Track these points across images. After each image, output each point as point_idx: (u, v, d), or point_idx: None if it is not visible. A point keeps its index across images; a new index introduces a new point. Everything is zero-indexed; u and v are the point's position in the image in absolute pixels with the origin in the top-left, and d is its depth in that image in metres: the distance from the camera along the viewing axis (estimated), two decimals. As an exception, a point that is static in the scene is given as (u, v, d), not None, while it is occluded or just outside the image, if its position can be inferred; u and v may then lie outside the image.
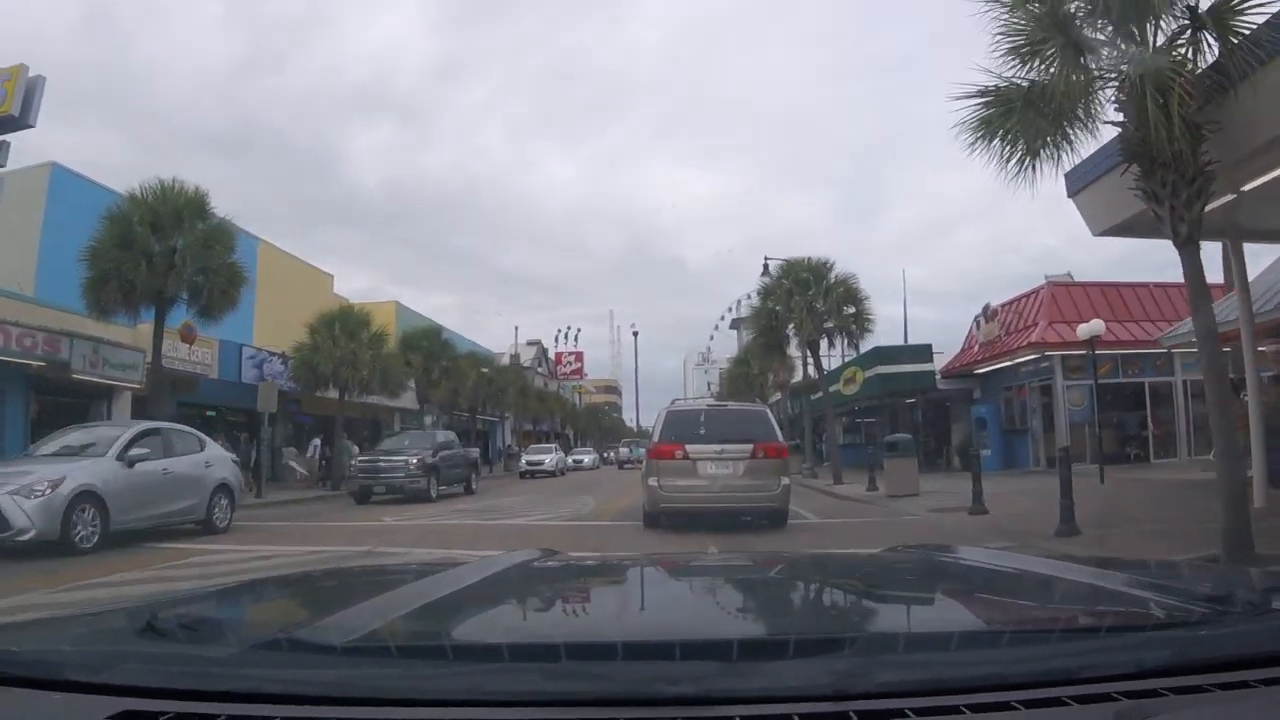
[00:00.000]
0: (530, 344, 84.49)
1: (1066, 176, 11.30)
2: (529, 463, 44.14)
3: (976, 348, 29.24)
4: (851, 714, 1.19)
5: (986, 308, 28.71)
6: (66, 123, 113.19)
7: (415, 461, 24.27)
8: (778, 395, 46.31)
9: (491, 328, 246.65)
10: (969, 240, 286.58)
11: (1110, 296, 27.15)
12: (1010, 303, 28.41)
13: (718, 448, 13.00)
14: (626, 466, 57.20)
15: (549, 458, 45.26)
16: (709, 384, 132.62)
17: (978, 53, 10.54)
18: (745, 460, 12.95)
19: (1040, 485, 21.48)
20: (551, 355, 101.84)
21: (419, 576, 2.47)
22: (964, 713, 1.20)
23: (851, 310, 26.46)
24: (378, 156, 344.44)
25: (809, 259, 26.75)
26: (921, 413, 39.19)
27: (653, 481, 13.33)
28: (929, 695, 1.24)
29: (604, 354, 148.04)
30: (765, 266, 32.10)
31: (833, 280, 26.44)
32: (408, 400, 44.02)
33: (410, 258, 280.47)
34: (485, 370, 47.88)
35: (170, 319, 24.68)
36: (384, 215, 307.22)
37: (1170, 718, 1.20)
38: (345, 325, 31.76)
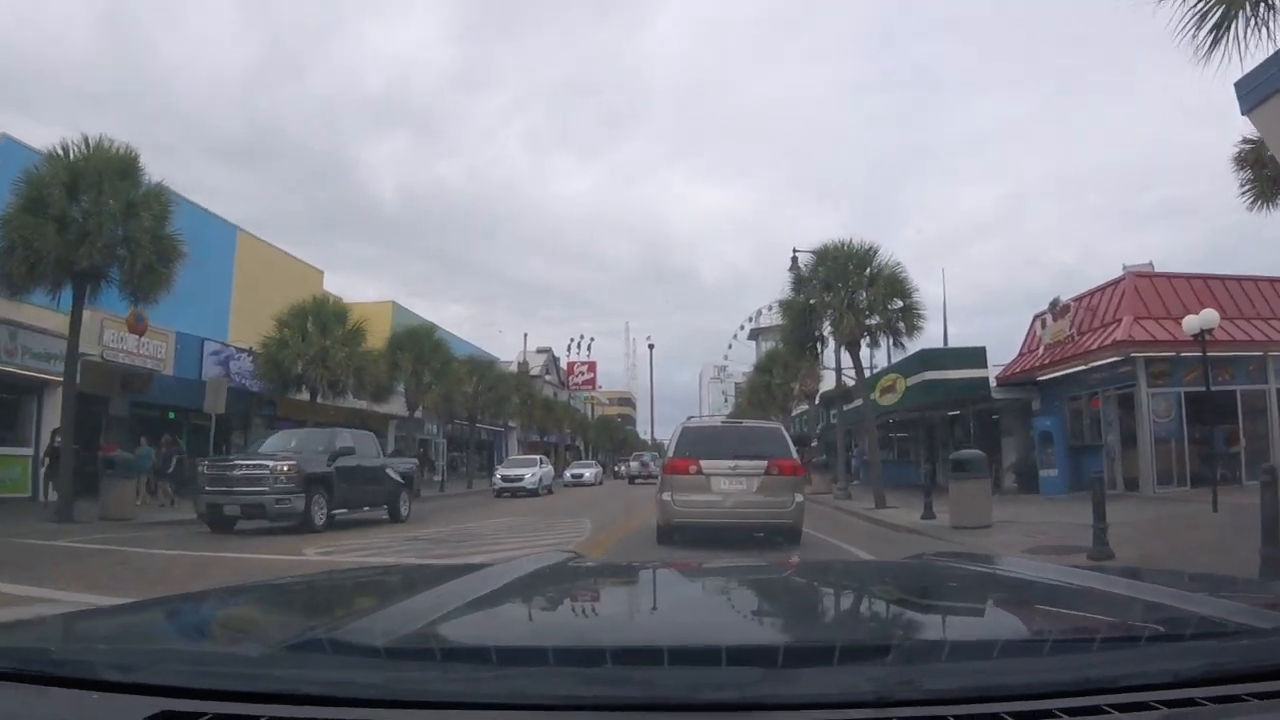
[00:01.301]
0: (540, 351, 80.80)
1: (1237, 86, 9.48)
2: (504, 479, 36.51)
3: (1040, 350, 25.17)
4: None
5: (1055, 303, 24.59)
6: (83, 125, 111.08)
7: (286, 470, 16.62)
8: (804, 406, 42.34)
9: (505, 340, 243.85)
10: (986, 254, 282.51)
11: (1199, 290, 23.15)
12: (1082, 297, 24.32)
13: (732, 464, 12.99)
14: (638, 482, 53.16)
15: (530, 472, 37.03)
16: (725, 396, 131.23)
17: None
18: (760, 477, 12.95)
19: (1142, 514, 17.74)
20: (563, 365, 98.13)
21: (450, 577, 2.37)
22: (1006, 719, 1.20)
23: (899, 305, 22.52)
24: (394, 167, 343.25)
25: (849, 243, 22.86)
26: (965, 426, 35.16)
27: (666, 496, 13.28)
28: (972, 703, 1.24)
29: (619, 367, 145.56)
30: (794, 259, 28.28)
31: (877, 268, 22.52)
32: (399, 406, 40.47)
33: (425, 269, 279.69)
34: (484, 376, 44.08)
35: (108, 302, 21.21)
36: (400, 227, 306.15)
37: None
38: (319, 319, 28.05)
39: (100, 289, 19.36)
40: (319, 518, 17.31)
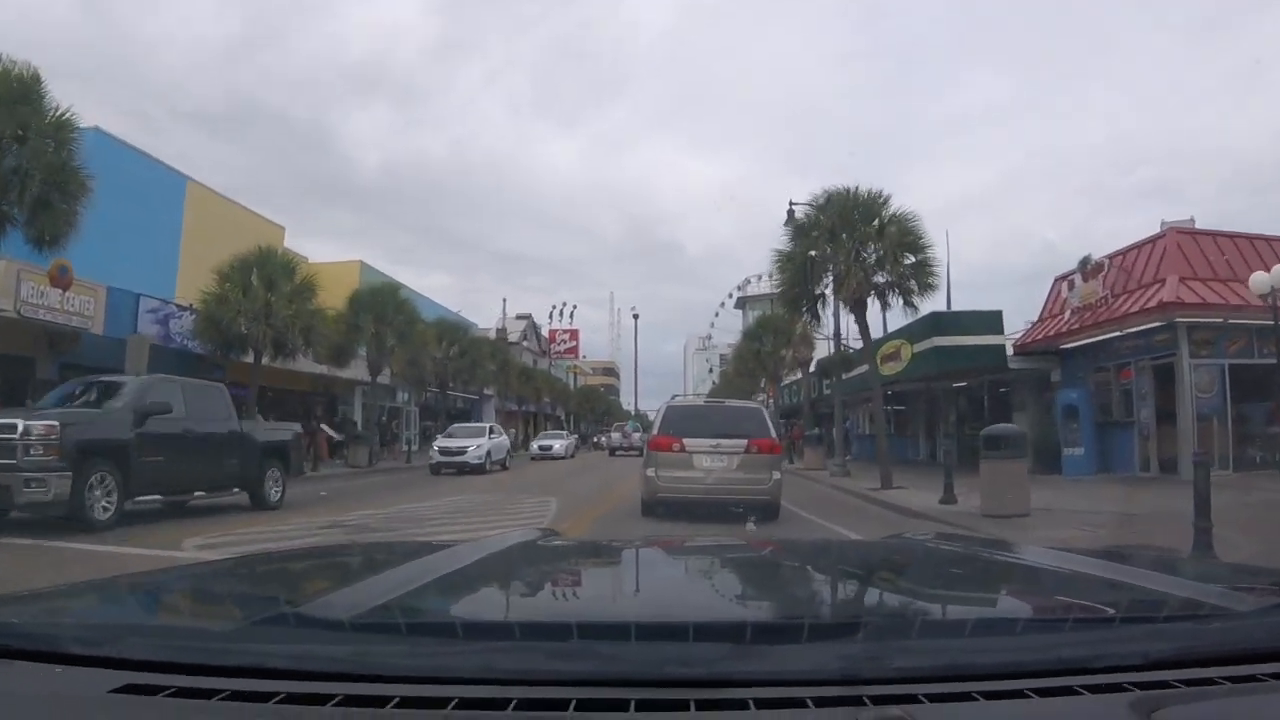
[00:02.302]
0: (520, 318, 77.89)
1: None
2: (441, 451, 30.44)
3: (1068, 314, 22.52)
4: (865, 698, 1.19)
5: (1085, 261, 21.85)
6: (64, 97, 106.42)
7: (43, 433, 11.30)
8: (796, 375, 39.74)
9: (487, 308, 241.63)
10: (970, 233, 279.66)
11: (1245, 249, 20.63)
12: (1115, 256, 21.65)
13: (713, 442, 13.46)
14: (620, 453, 50.52)
15: (475, 444, 30.78)
16: (710, 368, 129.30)
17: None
18: (740, 455, 13.42)
19: (1188, 501, 15.17)
20: (545, 332, 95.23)
21: (421, 554, 2.37)
22: (977, 699, 1.20)
23: (911, 260, 19.84)
24: (376, 137, 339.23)
25: (855, 189, 20.13)
26: (971, 399, 32.65)
27: (650, 472, 13.76)
28: (943, 681, 1.24)
29: (603, 338, 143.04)
30: (790, 212, 25.63)
31: (888, 218, 19.83)
32: (362, 370, 37.89)
33: (408, 239, 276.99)
34: (456, 339, 41.26)
35: (18, 250, 18.52)
36: (382, 196, 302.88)
37: (1180, 710, 1.19)
38: (265, 272, 25.25)
39: (4, 232, 16.68)
40: (101, 509, 11.75)
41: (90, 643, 1.36)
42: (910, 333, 25.39)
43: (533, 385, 60.13)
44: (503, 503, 17.58)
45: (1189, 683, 1.26)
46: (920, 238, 19.81)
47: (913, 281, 20.14)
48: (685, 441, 13.56)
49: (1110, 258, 21.48)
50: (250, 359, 26.01)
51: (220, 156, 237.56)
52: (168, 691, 1.21)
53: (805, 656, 1.32)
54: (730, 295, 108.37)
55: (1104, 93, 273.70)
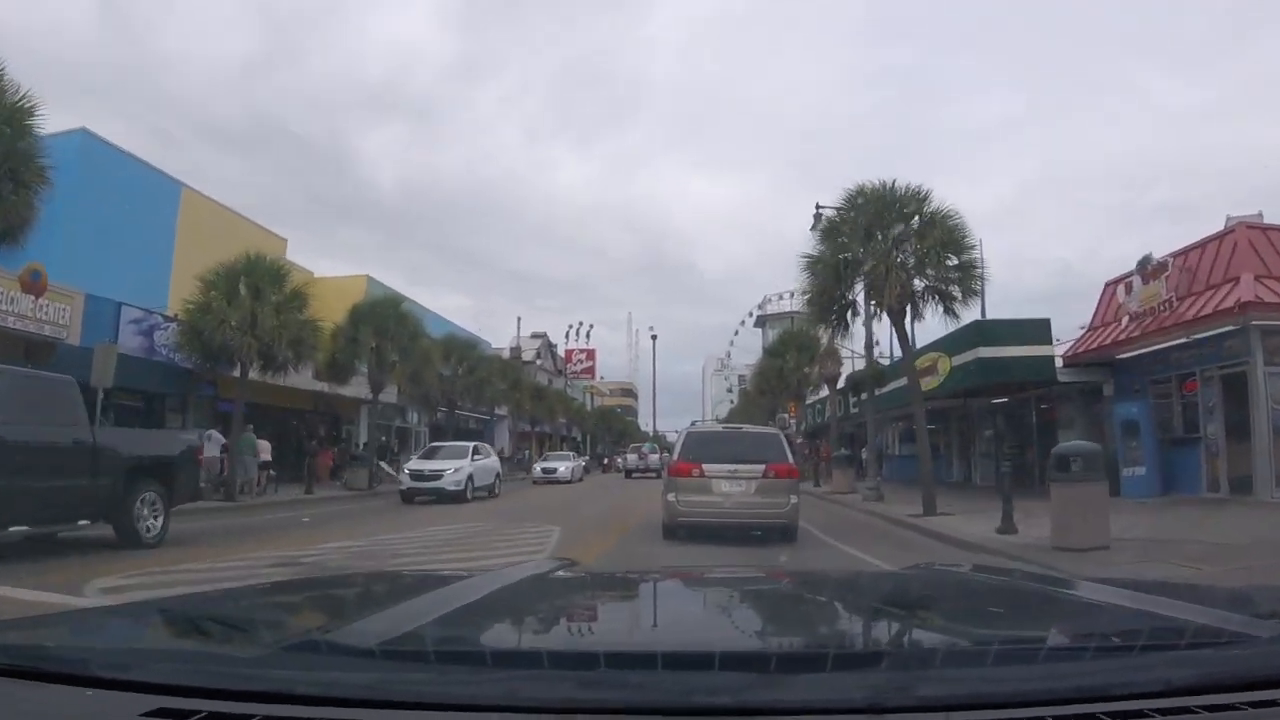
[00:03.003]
0: (535, 337, 76.15)
1: None
2: (412, 475, 25.76)
3: (1125, 320, 20.43)
4: None
5: (1146, 261, 19.71)
6: (82, 115, 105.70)
7: None
8: (823, 391, 37.71)
9: (503, 327, 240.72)
10: (985, 253, 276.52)
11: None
12: (1177, 255, 19.56)
13: (732, 468, 13.67)
14: (636, 475, 48.46)
15: (454, 466, 25.78)
16: (729, 388, 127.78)
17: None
18: (758, 480, 13.59)
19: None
20: (561, 352, 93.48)
21: (445, 583, 2.44)
22: None
23: (953, 262, 17.89)
24: (393, 157, 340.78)
25: (891, 184, 18.19)
26: (1009, 416, 30.54)
27: (671, 496, 13.88)
28: (966, 709, 1.24)
29: (621, 360, 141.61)
30: (818, 215, 23.87)
31: (928, 216, 17.90)
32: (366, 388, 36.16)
33: (426, 259, 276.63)
34: (464, 356, 39.44)
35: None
36: (400, 217, 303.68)
37: None
38: (252, 280, 23.50)
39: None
40: None
41: (121, 666, 1.38)
42: (948, 344, 23.37)
43: (546, 405, 58.08)
44: (493, 534, 15.59)
45: (1211, 709, 1.25)
46: (964, 237, 17.91)
47: (955, 286, 18.20)
48: (705, 467, 13.74)
49: (1173, 257, 19.39)
50: (256, 376, 24.48)
51: (236, 175, 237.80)
52: (198, 716, 1.22)
53: (830, 686, 1.33)
54: (750, 314, 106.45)
55: (1120, 110, 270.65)
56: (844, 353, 32.66)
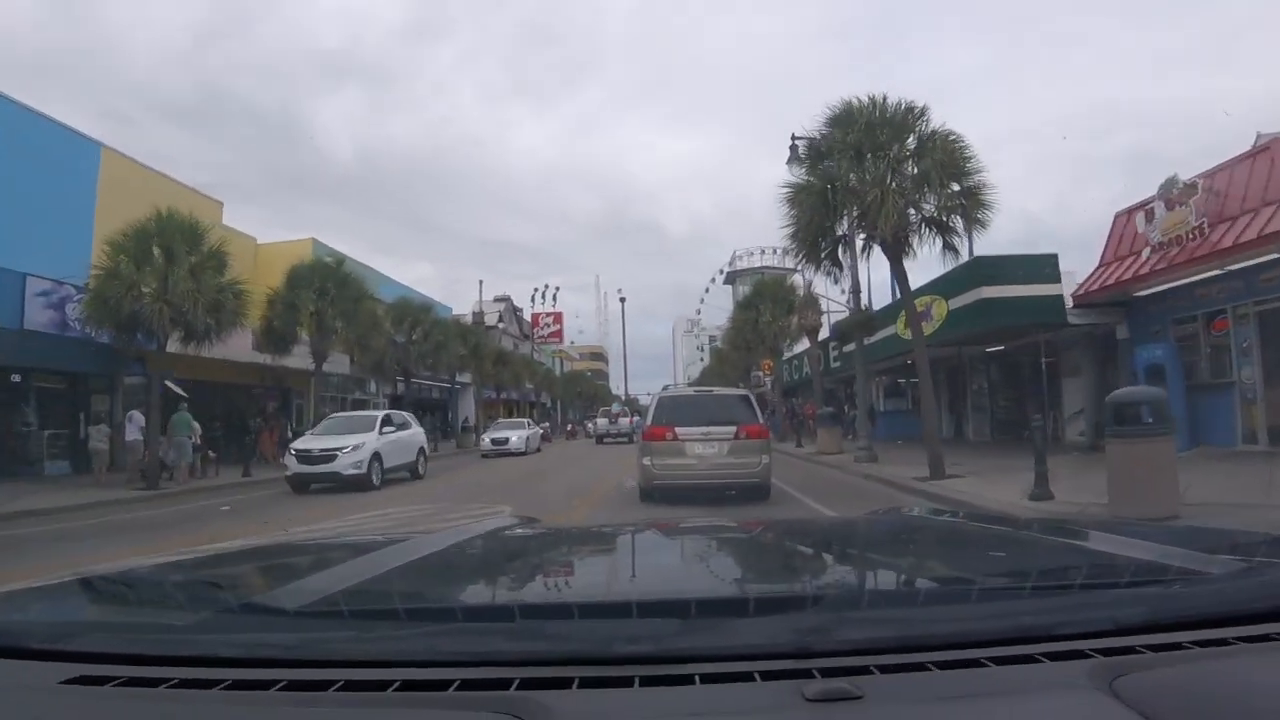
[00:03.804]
0: (498, 300, 73.29)
1: None
2: (301, 457, 19.95)
3: (1147, 251, 18.14)
4: (814, 671, 1.17)
5: (1171, 183, 17.24)
6: (32, 96, 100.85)
7: None
8: (801, 345, 35.46)
9: (472, 297, 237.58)
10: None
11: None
12: (1206, 176, 17.24)
13: (704, 430, 13.85)
14: (608, 441, 46.15)
15: (353, 444, 19.97)
16: (700, 349, 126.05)
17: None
18: (729, 441, 13.77)
19: None
20: (528, 317, 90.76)
21: (387, 545, 2.33)
22: (931, 670, 1.18)
23: (955, 188, 15.56)
24: (350, 126, 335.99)
25: (884, 99, 15.79)
26: (1003, 366, 28.44)
27: (646, 461, 14.09)
28: (895, 653, 1.22)
29: (590, 323, 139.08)
30: (793, 147, 21.42)
31: (926, 134, 15.54)
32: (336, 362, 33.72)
33: (389, 230, 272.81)
34: (418, 320, 36.82)
35: None
36: (363, 188, 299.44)
37: (1143, 676, 1.16)
38: (164, 241, 20.85)
39: None
40: None
41: (45, 638, 1.40)
42: (944, 286, 21.00)
43: (512, 371, 55.47)
44: (427, 521, 13.11)
45: (1154, 648, 1.23)
46: (969, 158, 15.54)
47: (956, 218, 15.88)
48: (677, 430, 13.90)
49: (1202, 178, 17.08)
50: (178, 349, 21.94)
51: (194, 153, 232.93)
52: (116, 681, 1.23)
53: (753, 630, 1.30)
54: (720, 271, 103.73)
55: (1081, 58, 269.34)
56: (827, 300, 30.51)
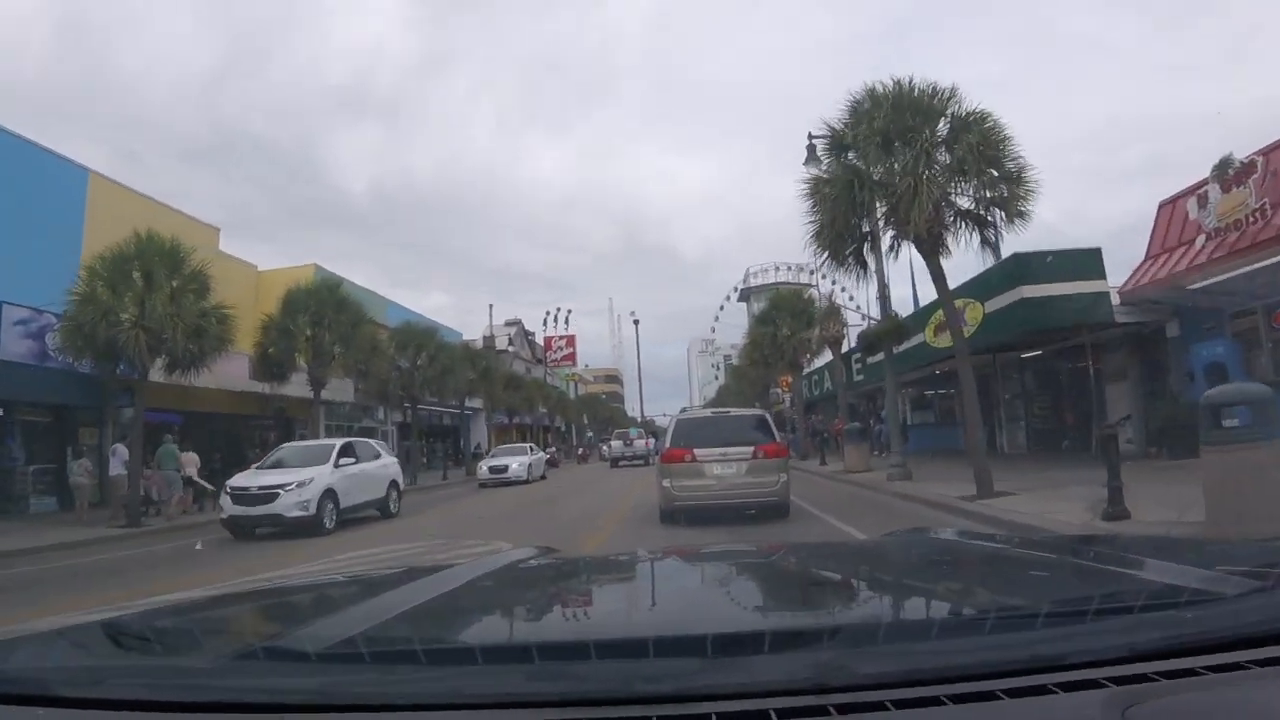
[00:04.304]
0: (509, 324, 71.94)
1: None
2: (236, 495, 16.91)
3: (1202, 240, 16.57)
4: (830, 708, 1.17)
5: (1226, 164, 15.71)
6: (47, 137, 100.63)
7: None
8: (822, 358, 33.97)
9: (483, 322, 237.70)
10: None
11: None
12: (1265, 153, 15.66)
13: (722, 450, 13.90)
14: (623, 464, 44.64)
15: (296, 481, 16.87)
16: (715, 369, 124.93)
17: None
18: (747, 461, 13.82)
19: None
20: (540, 340, 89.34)
21: (406, 581, 2.38)
22: (945, 703, 1.17)
23: (994, 174, 14.07)
24: (363, 159, 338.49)
25: (910, 81, 14.32)
26: (1037, 372, 26.88)
27: (666, 483, 14.13)
28: (909, 686, 1.21)
29: (604, 348, 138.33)
30: (811, 148, 20.07)
31: (960, 116, 14.08)
32: (338, 390, 32.50)
33: (404, 260, 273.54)
34: (423, 345, 35.41)
35: None
36: (375, 218, 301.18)
37: (1157, 704, 1.15)
38: (144, 264, 19.59)
39: None
40: None
41: (74, 685, 1.40)
42: (979, 287, 19.40)
43: (523, 394, 54.00)
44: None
45: (1168, 674, 1.21)
46: (1007, 139, 14.06)
47: (995, 211, 14.39)
48: (696, 452, 13.93)
49: (1261, 155, 15.53)
50: (163, 378, 20.70)
51: (210, 191, 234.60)
52: None
53: (770, 667, 1.30)
54: (734, 289, 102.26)
55: (1094, 69, 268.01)
56: (849, 310, 29.02)
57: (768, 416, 15.97)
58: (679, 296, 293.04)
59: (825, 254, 15.38)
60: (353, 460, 18.74)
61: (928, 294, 22.00)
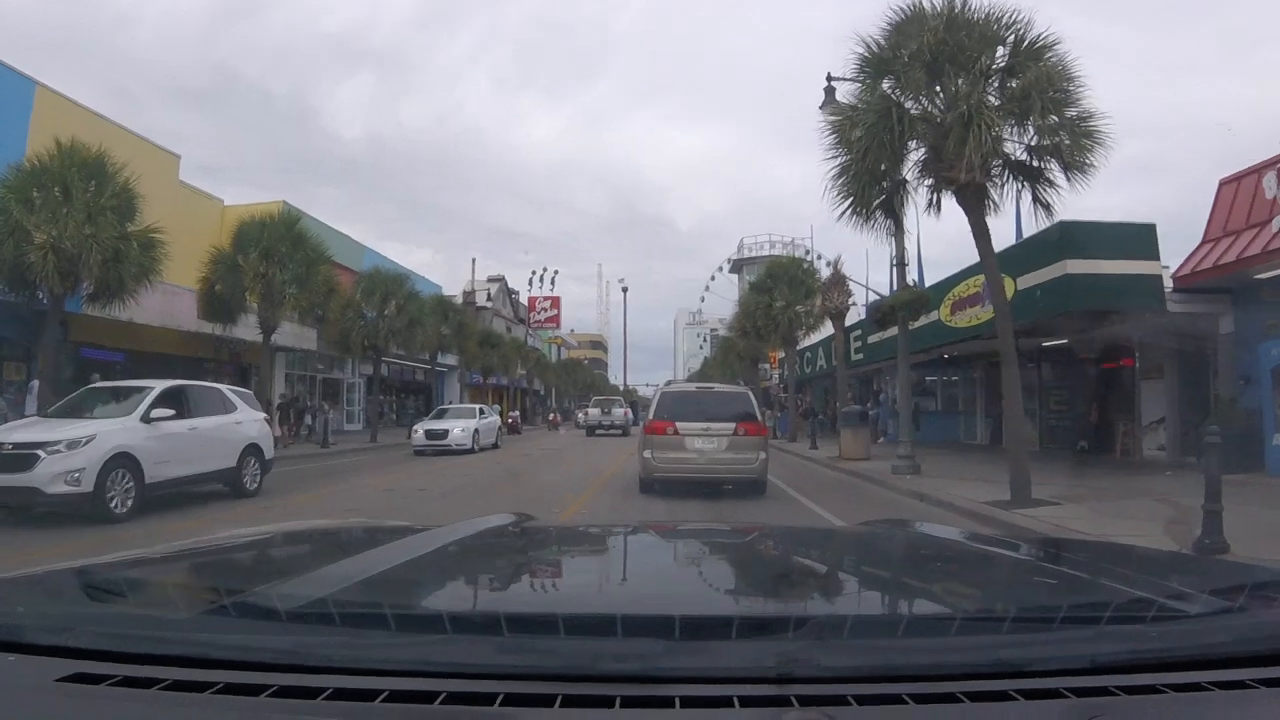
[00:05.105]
0: (492, 280, 69.21)
1: None
2: None
3: (1275, 222, 14.25)
4: (792, 698, 1.18)
5: None
6: (43, 76, 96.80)
7: None
8: (819, 333, 31.66)
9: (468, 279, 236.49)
10: (950, 209, 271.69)
11: None
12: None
13: (704, 425, 14.00)
14: (599, 433, 42.37)
15: (66, 437, 11.43)
16: (701, 343, 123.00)
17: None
18: (728, 437, 13.94)
19: None
20: (524, 300, 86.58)
21: (383, 540, 2.48)
22: (906, 702, 1.18)
23: (1054, 118, 11.69)
24: (359, 111, 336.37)
25: (964, 2, 11.94)
26: (1056, 364, 24.61)
27: (647, 454, 14.30)
28: (872, 681, 1.22)
29: (591, 313, 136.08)
30: (829, 90, 17.88)
31: (1023, 44, 11.70)
32: (294, 335, 30.10)
33: (393, 214, 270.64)
34: (391, 293, 32.85)
35: None
36: (366, 172, 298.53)
37: (1119, 718, 1.17)
38: (63, 178, 17.07)
39: None
40: None
41: (43, 632, 1.39)
42: (1014, 260, 16.84)
43: (500, 354, 51.45)
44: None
45: (1130, 690, 1.21)
46: (1073, 78, 11.70)
47: (1068, 151, 12.01)
48: (679, 425, 14.01)
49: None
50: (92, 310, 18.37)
51: (203, 134, 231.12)
52: (112, 680, 1.23)
53: (735, 653, 1.31)
54: (727, 260, 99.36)
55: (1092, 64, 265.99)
56: (853, 282, 26.57)
57: (751, 395, 16.07)
58: (669, 267, 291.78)
59: (849, 201, 12.91)
60: (172, 414, 13.03)
61: (934, 273, 19.56)
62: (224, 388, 16.05)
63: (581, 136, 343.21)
